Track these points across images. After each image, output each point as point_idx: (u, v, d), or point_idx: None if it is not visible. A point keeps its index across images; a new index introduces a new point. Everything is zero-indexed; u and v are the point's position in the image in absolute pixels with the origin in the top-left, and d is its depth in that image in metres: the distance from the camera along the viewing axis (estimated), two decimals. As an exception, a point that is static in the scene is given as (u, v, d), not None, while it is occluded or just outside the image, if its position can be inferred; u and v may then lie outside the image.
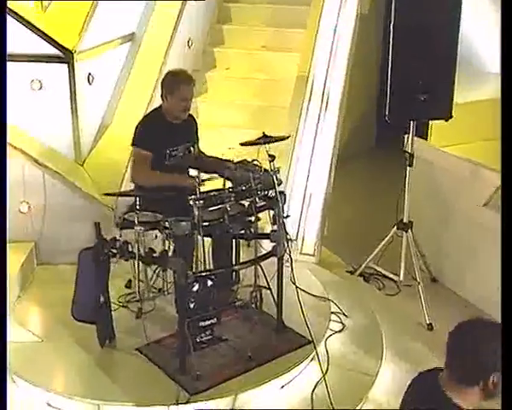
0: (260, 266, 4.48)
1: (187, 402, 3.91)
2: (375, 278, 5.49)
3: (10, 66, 4.97)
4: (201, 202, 3.89)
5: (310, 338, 4.38)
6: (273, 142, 4.29)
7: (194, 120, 4.90)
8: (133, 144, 4.56)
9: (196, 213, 3.88)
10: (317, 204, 5.87)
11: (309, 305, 4.67)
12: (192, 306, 4.19)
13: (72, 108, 5.30)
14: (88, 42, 5.43)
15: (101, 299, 4.23)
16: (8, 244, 5.13)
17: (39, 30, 5.13)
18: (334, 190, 5.91)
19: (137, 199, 4.17)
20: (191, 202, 3.88)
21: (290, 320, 4.52)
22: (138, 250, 4.13)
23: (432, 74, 4.72)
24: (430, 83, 4.73)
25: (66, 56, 5.20)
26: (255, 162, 4.41)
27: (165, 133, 4.54)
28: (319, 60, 6.25)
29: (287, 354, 4.38)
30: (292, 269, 4.26)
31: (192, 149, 4.68)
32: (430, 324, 4.88)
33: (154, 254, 4.13)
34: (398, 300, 5.25)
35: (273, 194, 4.22)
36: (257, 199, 4.17)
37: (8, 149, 5.06)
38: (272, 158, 4.18)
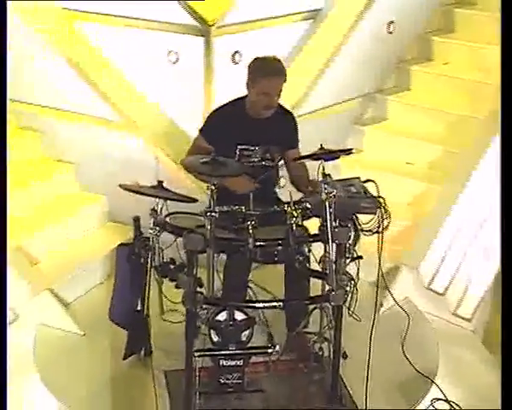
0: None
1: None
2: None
3: (148, 33, 4.87)
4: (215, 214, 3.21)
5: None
6: (333, 157, 3.40)
7: (293, 119, 4.20)
8: (199, 130, 4.04)
9: (208, 226, 3.22)
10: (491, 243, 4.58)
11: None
12: (216, 339, 3.57)
13: (206, 87, 4.87)
14: (239, 15, 4.94)
15: (138, 305, 3.82)
16: (109, 223, 5.08)
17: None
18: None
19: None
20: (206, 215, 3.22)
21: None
22: (151, 257, 3.58)
23: None
24: None
25: (203, 29, 4.77)
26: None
27: (241, 129, 3.97)
28: None
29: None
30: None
31: (276, 153, 3.94)
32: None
33: (171, 266, 3.54)
34: None
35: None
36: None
37: (128, 124, 4.92)
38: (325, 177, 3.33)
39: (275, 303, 3.60)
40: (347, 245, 3.56)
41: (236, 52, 5.02)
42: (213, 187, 3.25)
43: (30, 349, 4.02)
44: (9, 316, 4.19)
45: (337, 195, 3.69)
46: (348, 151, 3.74)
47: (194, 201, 3.51)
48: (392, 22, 5.81)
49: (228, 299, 3.74)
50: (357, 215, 3.97)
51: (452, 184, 4.92)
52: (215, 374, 3.59)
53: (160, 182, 3.58)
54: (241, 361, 3.61)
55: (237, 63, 5.04)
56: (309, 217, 3.55)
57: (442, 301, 4.69)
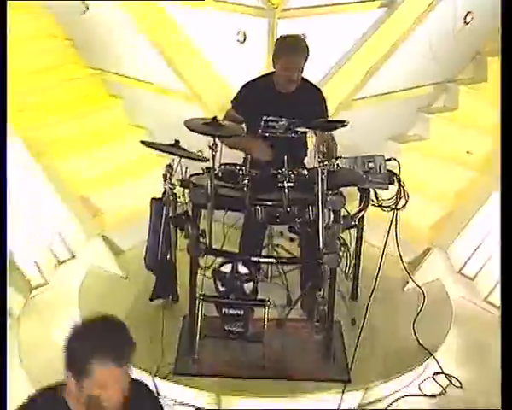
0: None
1: (164, 377, 3.83)
2: None
3: (221, 14, 5.23)
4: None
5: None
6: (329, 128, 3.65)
7: (320, 94, 4.43)
8: (231, 101, 4.40)
9: (209, 182, 3.62)
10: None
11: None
12: (221, 289, 3.96)
13: (268, 67, 5.18)
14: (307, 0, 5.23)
15: (167, 254, 4.25)
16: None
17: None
18: None
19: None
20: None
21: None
22: (167, 209, 4.00)
23: None
24: None
25: (268, 11, 5.10)
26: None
27: (268, 102, 4.26)
28: None
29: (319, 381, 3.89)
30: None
31: (299, 127, 4.22)
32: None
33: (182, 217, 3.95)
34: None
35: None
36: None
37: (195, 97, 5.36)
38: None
39: (271, 260, 3.94)
40: (341, 212, 3.81)
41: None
42: (214, 146, 3.66)
43: (77, 286, 4.63)
44: (66, 256, 4.89)
45: (351, 168, 4.09)
46: (342, 124, 3.87)
47: (206, 160, 3.90)
48: (469, 13, 5.84)
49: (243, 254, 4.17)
50: (376, 190, 4.33)
51: (494, 175, 4.91)
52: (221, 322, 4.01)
53: (177, 141, 3.98)
54: (242, 311, 4.00)
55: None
56: (306, 182, 3.79)
57: (473, 286, 4.80)
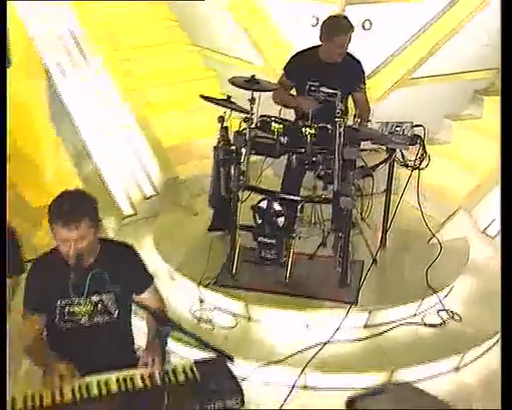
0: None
1: (206, 285, 4.67)
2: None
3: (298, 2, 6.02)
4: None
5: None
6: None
7: (360, 66, 5.05)
8: (283, 68, 5.12)
9: (247, 130, 4.45)
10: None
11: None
12: (259, 221, 4.73)
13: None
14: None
15: (223, 192, 5.06)
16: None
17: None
18: None
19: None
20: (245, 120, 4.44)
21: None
22: (218, 153, 4.82)
23: None
24: None
25: (335, -3, 5.83)
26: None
27: (313, 70, 4.94)
28: None
29: (327, 301, 4.58)
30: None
31: (338, 93, 4.84)
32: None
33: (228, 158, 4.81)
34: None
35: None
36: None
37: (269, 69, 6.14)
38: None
39: (299, 198, 4.67)
40: (356, 162, 4.48)
41: (367, 20, 6.00)
42: (252, 100, 4.46)
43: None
44: (152, 192, 5.85)
45: (381, 129, 4.77)
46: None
47: (247, 112, 4.64)
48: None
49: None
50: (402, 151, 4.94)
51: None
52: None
53: (229, 96, 4.79)
54: (275, 240, 4.75)
55: (367, 30, 6.03)
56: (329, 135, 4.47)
57: (494, 244, 5.25)
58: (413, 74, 6.12)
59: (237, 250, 4.73)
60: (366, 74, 5.23)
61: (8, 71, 5.09)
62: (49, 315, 3.09)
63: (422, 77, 6.13)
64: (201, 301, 4.68)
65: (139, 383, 2.89)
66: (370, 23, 6.01)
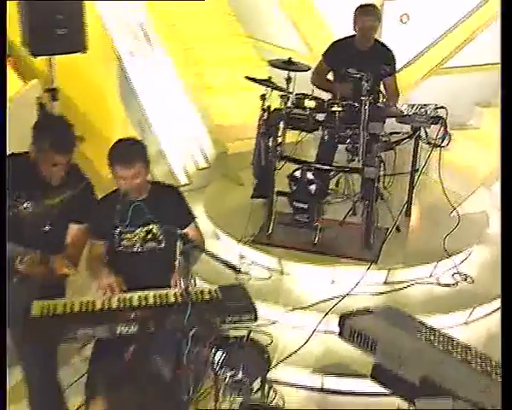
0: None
1: (245, 242, 5.27)
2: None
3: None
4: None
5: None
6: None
7: (391, 53, 5.51)
8: (322, 55, 5.64)
9: (283, 106, 5.01)
10: None
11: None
12: (294, 188, 5.28)
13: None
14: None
15: (263, 162, 5.61)
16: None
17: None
18: None
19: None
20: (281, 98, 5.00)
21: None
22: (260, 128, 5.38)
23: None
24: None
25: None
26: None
27: (349, 57, 5.43)
28: None
29: (351, 259, 5.09)
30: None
31: (365, 75, 5.30)
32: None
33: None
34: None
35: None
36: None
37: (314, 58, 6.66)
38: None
39: (327, 168, 5.19)
40: (379, 137, 4.96)
41: (404, 14, 6.47)
42: (288, 79, 5.01)
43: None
44: (204, 164, 6.48)
45: (407, 110, 5.26)
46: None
47: (284, 90, 5.17)
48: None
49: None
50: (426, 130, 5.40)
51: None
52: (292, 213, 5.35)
53: (270, 77, 5.33)
54: (307, 205, 5.29)
55: (404, 23, 6.50)
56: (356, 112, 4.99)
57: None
58: (446, 64, 6.54)
59: (273, 213, 5.30)
60: (402, 64, 5.72)
61: (84, 56, 5.79)
62: (109, 241, 3.76)
63: (455, 67, 6.54)
64: (241, 257, 5.27)
65: (172, 299, 3.51)
66: (408, 17, 6.48)
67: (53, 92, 5.68)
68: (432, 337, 3.15)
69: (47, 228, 3.67)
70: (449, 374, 2.87)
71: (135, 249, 3.73)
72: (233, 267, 3.24)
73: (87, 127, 6.15)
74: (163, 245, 3.76)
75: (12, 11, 5.60)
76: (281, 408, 4.22)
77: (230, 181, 6.25)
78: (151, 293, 3.53)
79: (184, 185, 6.30)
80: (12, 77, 6.06)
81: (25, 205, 3.64)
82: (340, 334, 3.37)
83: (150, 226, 3.71)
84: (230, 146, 6.57)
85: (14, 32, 5.78)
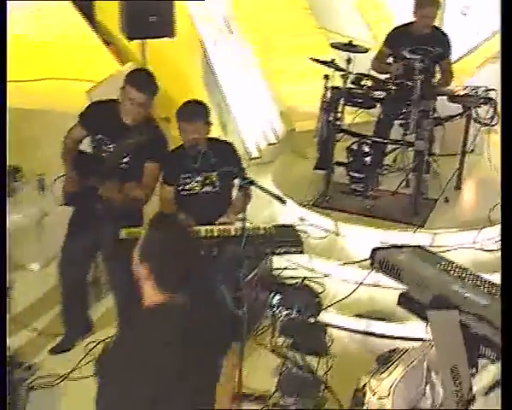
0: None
1: (305, 206, 5.82)
2: None
3: None
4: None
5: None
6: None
7: (446, 38, 5.91)
8: (383, 41, 6.11)
9: (343, 84, 5.53)
10: None
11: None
12: (350, 159, 5.80)
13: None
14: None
15: (324, 136, 6.11)
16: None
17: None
18: None
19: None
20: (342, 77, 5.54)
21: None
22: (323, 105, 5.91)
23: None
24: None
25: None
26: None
27: (408, 41, 5.83)
28: None
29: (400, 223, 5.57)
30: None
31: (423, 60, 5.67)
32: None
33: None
34: None
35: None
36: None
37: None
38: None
39: (382, 141, 5.67)
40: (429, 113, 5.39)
41: (465, 6, 6.85)
42: (348, 60, 5.51)
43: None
44: (273, 140, 7.07)
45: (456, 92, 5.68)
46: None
47: (344, 70, 5.69)
48: None
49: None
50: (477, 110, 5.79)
51: None
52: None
53: (333, 59, 5.83)
54: (362, 175, 5.77)
55: (464, 15, 6.88)
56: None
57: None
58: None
59: (331, 181, 5.83)
60: (462, 53, 6.12)
61: (172, 42, 6.48)
62: (177, 186, 4.40)
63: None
64: (301, 219, 5.82)
65: (232, 232, 4.11)
66: (468, 9, 6.87)
67: (145, 72, 6.42)
68: (448, 268, 3.62)
69: (124, 164, 4.29)
70: (458, 294, 3.33)
71: (196, 192, 4.35)
72: (279, 198, 3.78)
73: (172, 109, 6.85)
74: (218, 189, 4.36)
75: (113, 4, 6.49)
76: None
77: (297, 155, 6.80)
78: (215, 227, 4.14)
79: (255, 158, 6.92)
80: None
81: (106, 147, 4.31)
82: (372, 264, 3.87)
83: (210, 173, 4.32)
84: (298, 125, 7.12)
85: (113, 24, 6.60)
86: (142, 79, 4.28)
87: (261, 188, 3.65)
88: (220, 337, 2.73)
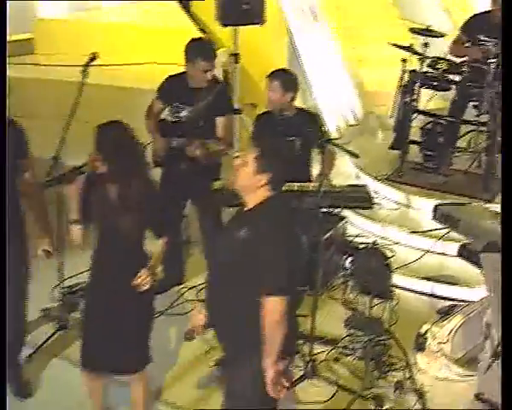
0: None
1: (380, 180, 6.21)
2: None
3: None
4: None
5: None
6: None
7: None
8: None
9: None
10: None
11: None
12: (425, 138, 6.13)
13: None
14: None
15: (400, 117, 6.44)
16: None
17: None
18: None
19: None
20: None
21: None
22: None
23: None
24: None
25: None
26: None
27: (483, 28, 6.08)
28: None
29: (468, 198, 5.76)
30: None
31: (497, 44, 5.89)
32: None
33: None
34: None
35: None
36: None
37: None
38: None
39: (455, 121, 5.97)
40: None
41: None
42: (425, 43, 5.84)
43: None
44: (354, 122, 7.46)
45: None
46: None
47: (420, 54, 6.01)
48: None
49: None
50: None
51: None
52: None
53: (411, 44, 6.16)
54: (436, 153, 6.07)
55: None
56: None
57: None
58: None
59: (405, 158, 6.18)
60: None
61: (260, 29, 6.91)
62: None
63: None
64: (375, 192, 6.17)
65: (310, 188, 4.50)
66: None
67: (236, 57, 6.85)
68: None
69: (201, 123, 4.74)
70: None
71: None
72: (354, 154, 4.18)
73: (258, 94, 7.28)
74: (300, 153, 4.72)
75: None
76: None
77: (374, 137, 7.18)
78: (295, 184, 4.56)
79: (336, 139, 7.31)
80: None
81: (182, 113, 4.80)
82: (434, 217, 4.23)
83: (293, 137, 4.67)
84: (376, 109, 7.49)
85: (208, 14, 7.09)
86: (204, 48, 4.78)
87: (337, 145, 4.04)
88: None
